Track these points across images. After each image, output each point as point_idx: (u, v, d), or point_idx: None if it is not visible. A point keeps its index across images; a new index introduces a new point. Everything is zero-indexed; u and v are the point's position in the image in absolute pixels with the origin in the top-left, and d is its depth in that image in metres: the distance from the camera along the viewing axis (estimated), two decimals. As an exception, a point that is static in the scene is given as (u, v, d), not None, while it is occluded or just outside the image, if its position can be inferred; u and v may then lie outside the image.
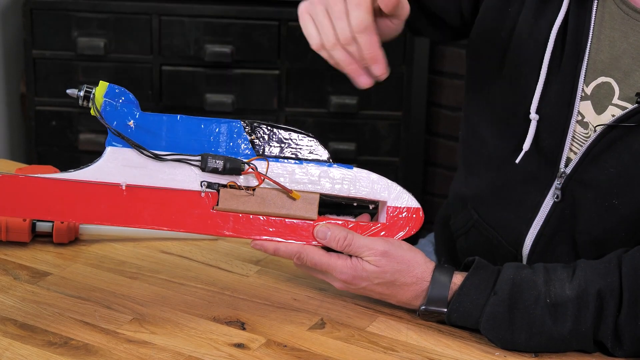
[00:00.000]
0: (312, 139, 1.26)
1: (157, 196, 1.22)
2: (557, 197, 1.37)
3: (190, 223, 1.24)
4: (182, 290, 1.35)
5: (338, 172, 1.27)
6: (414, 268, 1.28)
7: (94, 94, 1.21)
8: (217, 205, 1.24)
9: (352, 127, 2.88)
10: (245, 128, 1.24)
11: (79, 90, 1.21)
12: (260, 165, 1.24)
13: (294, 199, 1.25)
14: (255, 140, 1.24)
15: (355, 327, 1.29)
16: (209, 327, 1.26)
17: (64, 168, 1.61)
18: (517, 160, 1.38)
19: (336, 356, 1.22)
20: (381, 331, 1.28)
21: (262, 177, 1.23)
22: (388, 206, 1.28)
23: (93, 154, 2.92)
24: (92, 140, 2.90)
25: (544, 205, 1.39)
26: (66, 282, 1.35)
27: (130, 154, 1.21)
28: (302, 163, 1.26)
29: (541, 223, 1.39)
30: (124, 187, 1.21)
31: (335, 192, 1.27)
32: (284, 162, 1.25)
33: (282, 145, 1.25)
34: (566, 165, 1.36)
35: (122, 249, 1.44)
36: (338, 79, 2.85)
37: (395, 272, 1.27)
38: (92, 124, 2.90)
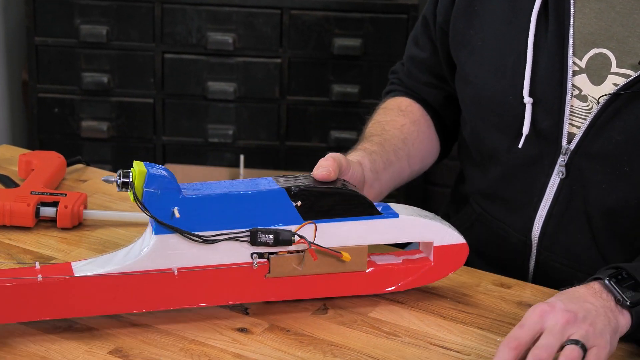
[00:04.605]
0: (355, 191, 1.25)
1: (209, 275, 1.21)
2: (562, 174, 1.38)
3: (245, 294, 1.24)
4: (185, 275, 1.35)
5: (385, 223, 1.25)
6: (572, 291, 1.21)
7: (132, 182, 1.18)
8: (269, 272, 1.23)
9: (353, 116, 2.88)
10: (290, 196, 1.22)
11: (117, 178, 1.18)
12: (309, 229, 1.23)
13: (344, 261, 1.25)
14: (300, 206, 1.22)
15: (357, 313, 1.29)
16: (212, 312, 1.27)
17: (66, 154, 1.62)
18: (520, 145, 1.39)
19: (339, 341, 1.23)
20: (384, 317, 1.29)
21: (312, 247, 1.22)
22: (435, 246, 1.28)
23: (95, 141, 2.93)
24: (94, 127, 2.91)
25: (550, 185, 1.40)
26: (70, 266, 1.35)
27: (178, 238, 1.19)
28: (348, 220, 1.24)
29: (549, 203, 1.40)
30: (176, 273, 1.20)
31: (382, 242, 1.27)
32: (331, 221, 1.23)
33: (328, 205, 1.23)
34: (569, 142, 1.37)
35: (126, 234, 1.44)
36: (340, 68, 2.85)
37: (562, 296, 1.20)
38: (94, 111, 2.91)
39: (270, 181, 1.24)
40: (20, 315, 1.19)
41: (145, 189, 1.18)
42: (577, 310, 1.14)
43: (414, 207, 1.30)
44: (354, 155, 1.42)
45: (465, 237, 1.54)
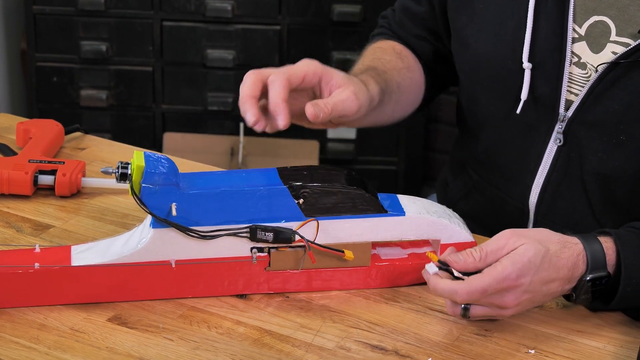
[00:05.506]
0: (360, 190, 1.22)
1: (208, 268, 1.21)
2: (559, 142, 1.37)
3: (245, 286, 1.23)
4: (184, 243, 1.35)
5: (390, 221, 1.23)
6: (552, 233, 1.20)
7: (130, 175, 1.17)
8: (269, 266, 1.22)
9: (353, 82, 2.87)
10: (292, 193, 1.20)
11: (116, 170, 1.18)
12: (310, 226, 1.21)
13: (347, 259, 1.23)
14: (302, 203, 1.21)
15: (356, 279, 1.29)
16: (211, 279, 1.27)
17: (65, 123, 1.61)
18: (518, 111, 1.39)
19: (337, 307, 1.23)
20: (383, 282, 1.29)
21: (312, 246, 1.20)
22: (442, 244, 1.26)
23: (94, 110, 2.92)
24: (93, 96, 2.90)
25: (547, 152, 1.39)
26: (69, 234, 1.35)
27: (175, 233, 1.18)
28: (352, 217, 1.22)
29: (546, 170, 1.40)
30: (173, 265, 1.20)
31: (387, 239, 1.24)
32: (334, 218, 1.22)
33: (331, 201, 1.21)
34: (567, 109, 1.37)
35: (124, 201, 1.44)
36: (339, 35, 2.84)
37: (543, 239, 1.18)
38: (93, 80, 2.90)
39: (274, 175, 1.23)
40: (16, 301, 1.18)
41: (142, 184, 1.17)
42: (527, 299, 1.17)
43: (424, 200, 1.28)
44: (366, 81, 1.39)
45: (463, 204, 1.54)
